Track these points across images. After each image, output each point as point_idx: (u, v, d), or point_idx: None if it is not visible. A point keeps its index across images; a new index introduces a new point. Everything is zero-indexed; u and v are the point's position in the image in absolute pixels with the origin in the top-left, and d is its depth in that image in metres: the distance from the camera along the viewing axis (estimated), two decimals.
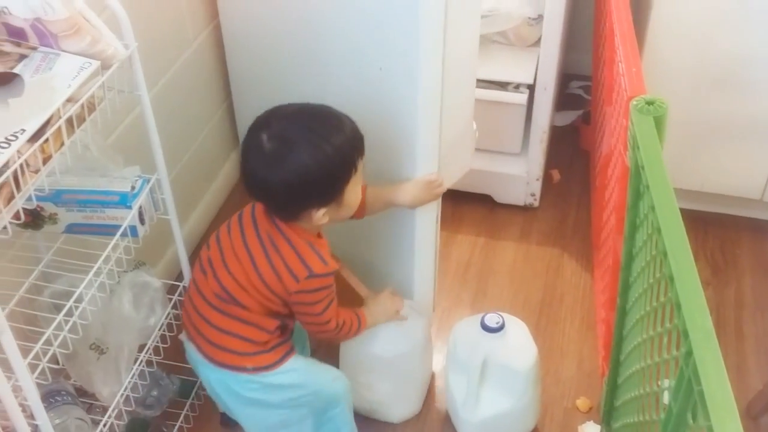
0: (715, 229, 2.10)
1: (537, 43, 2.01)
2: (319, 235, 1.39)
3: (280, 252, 1.33)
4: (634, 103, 1.26)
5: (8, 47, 1.08)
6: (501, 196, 2.19)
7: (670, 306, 1.03)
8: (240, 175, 1.34)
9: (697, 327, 0.91)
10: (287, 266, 1.32)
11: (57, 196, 1.26)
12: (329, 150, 1.26)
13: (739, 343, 1.82)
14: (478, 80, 2.02)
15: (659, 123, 1.23)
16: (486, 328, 1.52)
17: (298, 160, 1.25)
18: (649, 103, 1.25)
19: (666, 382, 1.07)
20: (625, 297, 1.40)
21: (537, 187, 2.15)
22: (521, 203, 2.19)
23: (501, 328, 1.52)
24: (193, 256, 1.66)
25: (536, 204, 2.18)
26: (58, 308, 1.23)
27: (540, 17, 1.95)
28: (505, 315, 1.56)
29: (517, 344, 1.56)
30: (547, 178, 2.22)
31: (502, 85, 2.04)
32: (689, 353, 0.90)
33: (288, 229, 1.34)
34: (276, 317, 1.38)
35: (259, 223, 1.37)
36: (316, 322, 1.41)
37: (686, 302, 0.95)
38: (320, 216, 1.31)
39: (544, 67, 1.95)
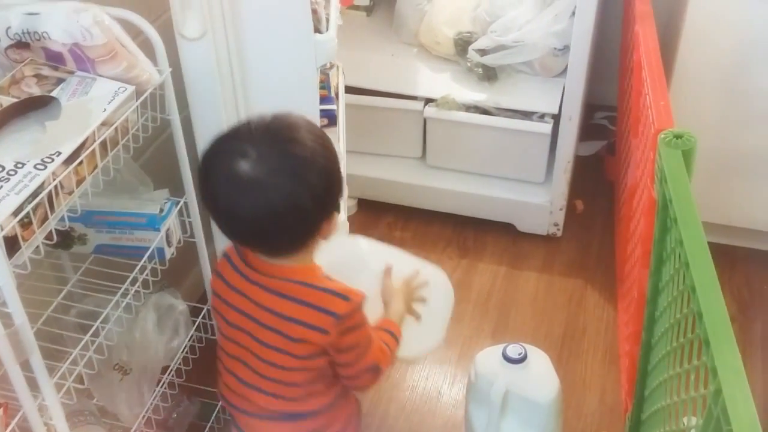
0: (741, 264, 2.08)
1: (562, 73, 2.02)
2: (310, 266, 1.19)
3: (296, 304, 1.14)
4: (662, 136, 1.26)
5: (46, 71, 1.10)
6: (524, 225, 2.18)
7: (698, 342, 1.02)
8: (216, 222, 1.12)
9: (726, 365, 0.90)
10: (307, 324, 1.14)
11: (87, 217, 1.27)
12: (328, 143, 1.11)
13: (767, 380, 1.79)
14: (505, 109, 2.04)
15: (687, 157, 1.23)
16: (508, 359, 1.51)
17: (309, 165, 1.06)
18: (678, 136, 1.25)
19: (693, 420, 1.06)
20: (651, 331, 1.38)
21: (560, 216, 2.15)
22: (544, 233, 2.18)
23: (523, 359, 1.51)
24: None
25: (559, 234, 2.18)
26: (84, 328, 1.24)
27: (566, 48, 1.96)
28: (528, 346, 1.55)
29: (540, 376, 1.55)
30: (570, 208, 2.22)
31: (527, 115, 2.04)
32: (718, 392, 0.89)
33: (285, 271, 1.15)
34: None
35: (252, 278, 1.17)
36: (363, 369, 1.21)
37: (715, 339, 0.94)
38: (333, 224, 1.14)
39: (569, 97, 1.96)
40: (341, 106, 1.75)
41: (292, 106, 1.17)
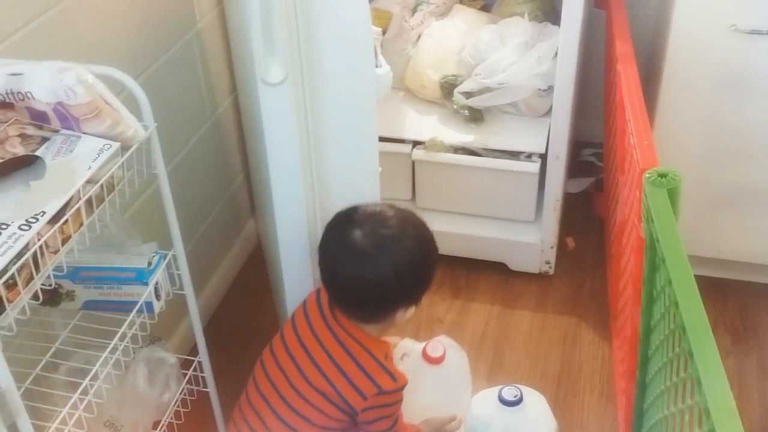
0: (734, 297, 2.08)
1: (548, 112, 2.03)
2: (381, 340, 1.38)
3: (352, 362, 1.32)
4: (647, 175, 1.26)
5: (31, 130, 1.11)
6: (515, 264, 2.18)
7: (690, 382, 1.02)
8: (321, 274, 1.35)
9: (718, 406, 0.90)
10: (352, 383, 1.31)
11: (75, 274, 1.27)
12: (430, 241, 1.32)
13: (763, 412, 1.78)
14: (492, 150, 2.05)
15: (673, 195, 1.24)
16: (504, 402, 1.50)
17: (403, 253, 1.27)
18: (662, 175, 1.25)
19: None
20: (645, 370, 1.38)
21: (552, 254, 2.15)
22: (536, 271, 2.18)
23: (519, 401, 1.50)
24: (208, 329, 1.66)
25: (551, 272, 2.18)
26: (73, 386, 1.23)
27: (550, 88, 1.98)
28: (523, 387, 1.54)
29: (536, 418, 1.54)
30: (561, 246, 2.22)
31: (514, 155, 2.06)
32: None
33: (357, 332, 1.34)
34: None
35: (330, 324, 1.36)
36: None
37: (707, 380, 0.93)
38: (407, 315, 1.33)
39: (555, 136, 1.97)
40: None
41: (356, 141, 1.39)
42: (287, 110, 1.32)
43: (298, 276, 1.51)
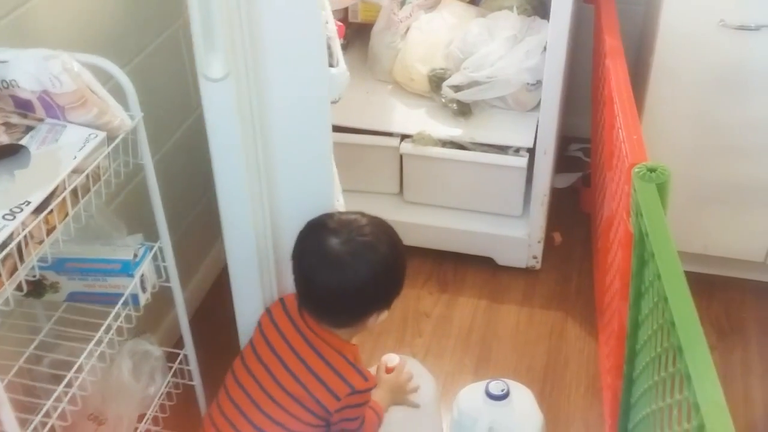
0: (719, 293, 2.09)
1: (536, 107, 2.03)
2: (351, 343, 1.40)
3: (324, 364, 1.34)
4: (636, 170, 1.26)
5: (15, 119, 1.09)
6: (503, 259, 2.18)
7: (679, 376, 1.02)
8: (296, 282, 1.36)
9: (708, 401, 0.90)
10: (326, 384, 1.33)
11: (59, 265, 1.25)
12: (401, 246, 1.37)
13: (748, 409, 1.79)
14: (480, 144, 2.05)
15: (662, 190, 1.24)
16: (491, 396, 1.50)
17: (380, 258, 1.30)
18: (651, 170, 1.25)
19: None
20: (632, 365, 1.38)
21: (539, 249, 2.15)
22: (523, 266, 2.18)
23: (506, 395, 1.50)
24: (194, 321, 1.65)
25: (538, 266, 2.18)
26: (57, 378, 1.21)
27: (538, 83, 1.98)
28: (510, 382, 1.54)
29: (523, 412, 1.54)
30: (548, 241, 2.22)
31: (502, 149, 2.05)
32: (701, 427, 0.88)
33: (329, 336, 1.36)
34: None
35: (301, 328, 1.38)
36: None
37: (696, 375, 0.93)
38: (380, 319, 1.35)
39: (543, 131, 1.97)
40: None
41: (307, 141, 1.35)
42: (230, 107, 1.27)
43: (247, 282, 1.47)
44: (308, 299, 1.36)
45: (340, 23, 1.55)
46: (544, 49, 1.91)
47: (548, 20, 1.82)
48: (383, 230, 1.36)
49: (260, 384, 1.37)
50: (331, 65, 1.33)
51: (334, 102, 1.35)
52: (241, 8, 1.20)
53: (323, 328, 1.36)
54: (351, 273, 1.29)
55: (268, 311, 1.44)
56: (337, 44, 1.39)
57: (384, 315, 1.37)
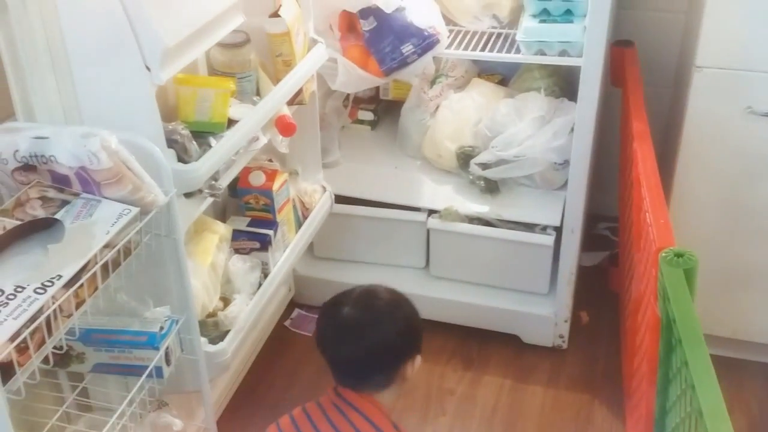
0: (750, 378, 2.03)
1: (563, 186, 2.04)
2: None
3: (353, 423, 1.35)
4: (664, 255, 1.25)
5: (52, 193, 1.12)
6: (528, 337, 2.16)
7: None
8: (329, 361, 1.40)
9: None
10: None
11: (86, 336, 1.26)
12: (398, 293, 1.45)
13: None
14: (507, 221, 2.06)
15: (689, 276, 1.23)
16: None
17: (399, 312, 1.39)
18: (679, 255, 1.25)
19: None
20: None
21: (565, 328, 2.12)
22: (549, 344, 2.15)
23: None
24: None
25: (565, 346, 2.15)
26: None
27: (566, 162, 1.99)
28: None
29: None
30: (575, 320, 2.20)
31: (529, 227, 2.06)
32: None
33: (367, 406, 1.36)
34: None
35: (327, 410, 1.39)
36: None
37: None
38: (416, 366, 1.39)
39: (570, 209, 1.97)
40: (312, 226, 1.91)
41: None
42: None
43: None
44: (342, 371, 1.39)
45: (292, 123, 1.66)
46: (572, 129, 1.93)
47: (576, 102, 1.85)
48: (391, 291, 1.45)
49: None
50: (183, 161, 1.34)
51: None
52: None
53: (365, 398, 1.37)
54: (375, 331, 1.36)
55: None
56: (189, 141, 1.37)
57: (419, 360, 1.41)
